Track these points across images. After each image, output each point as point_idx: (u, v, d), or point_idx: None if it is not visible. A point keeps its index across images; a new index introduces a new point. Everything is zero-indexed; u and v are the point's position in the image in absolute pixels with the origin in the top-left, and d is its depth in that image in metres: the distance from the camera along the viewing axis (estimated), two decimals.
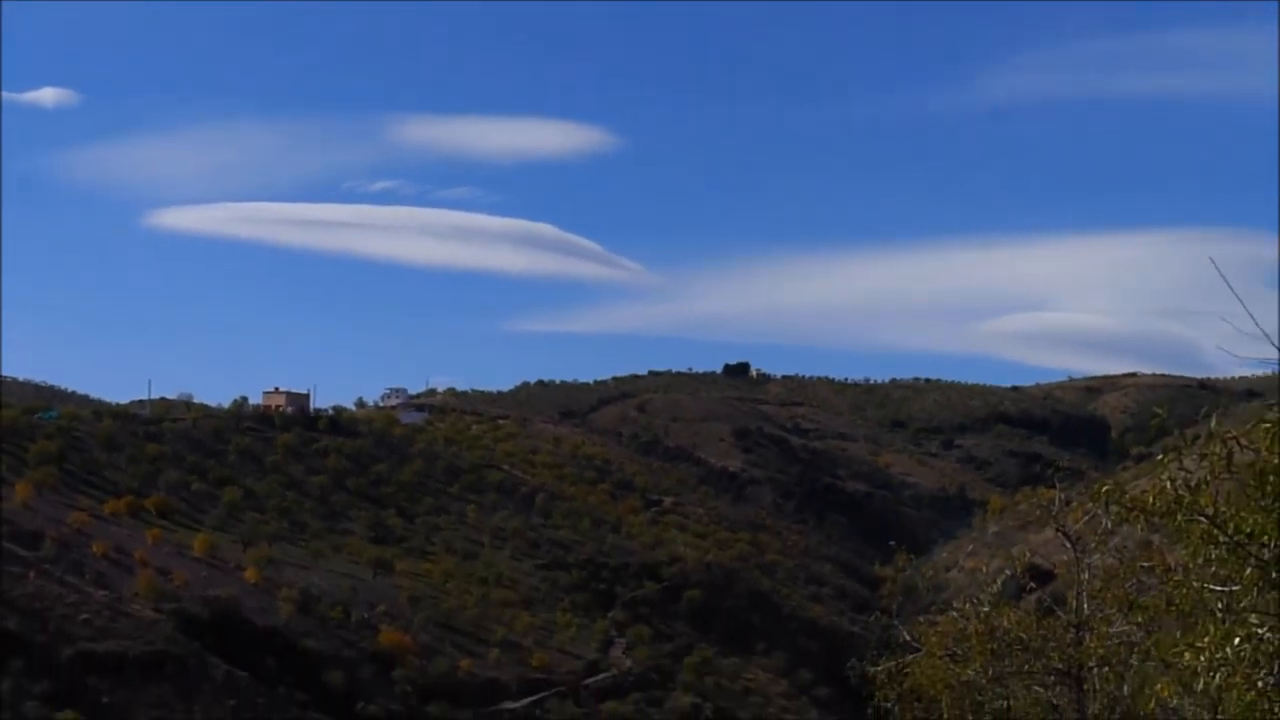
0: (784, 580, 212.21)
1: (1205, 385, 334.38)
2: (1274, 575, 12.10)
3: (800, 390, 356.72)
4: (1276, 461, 12.09)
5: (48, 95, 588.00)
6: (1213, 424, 13.18)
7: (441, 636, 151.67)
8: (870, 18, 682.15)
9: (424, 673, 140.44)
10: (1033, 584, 29.93)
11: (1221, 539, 12.53)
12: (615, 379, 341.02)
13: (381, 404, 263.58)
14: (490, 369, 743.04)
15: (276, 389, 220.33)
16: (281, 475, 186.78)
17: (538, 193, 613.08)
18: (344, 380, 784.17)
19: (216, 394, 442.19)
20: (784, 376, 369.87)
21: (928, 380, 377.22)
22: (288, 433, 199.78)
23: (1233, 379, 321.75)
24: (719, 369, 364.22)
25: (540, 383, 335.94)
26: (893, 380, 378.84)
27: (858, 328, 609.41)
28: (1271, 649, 12.49)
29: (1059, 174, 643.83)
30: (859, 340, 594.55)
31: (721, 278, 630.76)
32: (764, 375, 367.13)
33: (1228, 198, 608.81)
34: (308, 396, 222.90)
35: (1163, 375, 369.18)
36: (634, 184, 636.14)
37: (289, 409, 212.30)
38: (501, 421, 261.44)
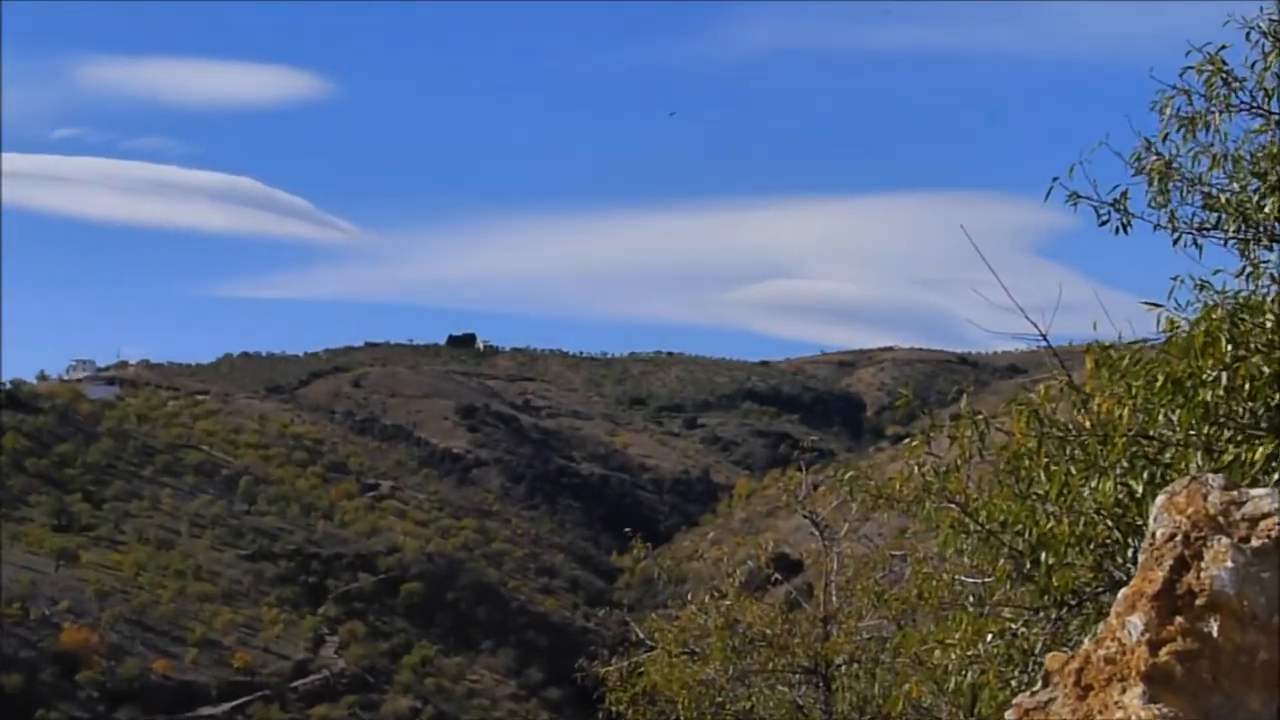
0: (512, 571, 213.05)
1: (966, 360, 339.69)
2: (1027, 567, 12.28)
3: (531, 364, 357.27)
4: (1030, 445, 12.21)
5: None
6: (963, 404, 13.30)
7: (132, 635, 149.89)
8: None
9: (112, 675, 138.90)
10: (779, 575, 30.47)
11: (973, 528, 12.69)
12: (327, 351, 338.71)
13: (66, 377, 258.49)
14: (188, 339, 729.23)
15: None
16: None
17: (239, 143, 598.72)
18: (24, 351, 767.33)
19: None
20: (514, 349, 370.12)
21: (669, 354, 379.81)
22: None
23: (995, 353, 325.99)
24: (442, 340, 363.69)
25: (244, 354, 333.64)
26: (631, 354, 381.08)
27: (594, 296, 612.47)
28: (1025, 645, 12.75)
29: (806, 132, 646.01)
30: (595, 310, 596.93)
31: (446, 241, 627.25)
32: (491, 348, 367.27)
33: (992, 160, 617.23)
34: None
35: (921, 349, 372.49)
36: (348, 136, 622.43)
37: None
38: (201, 397, 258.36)
